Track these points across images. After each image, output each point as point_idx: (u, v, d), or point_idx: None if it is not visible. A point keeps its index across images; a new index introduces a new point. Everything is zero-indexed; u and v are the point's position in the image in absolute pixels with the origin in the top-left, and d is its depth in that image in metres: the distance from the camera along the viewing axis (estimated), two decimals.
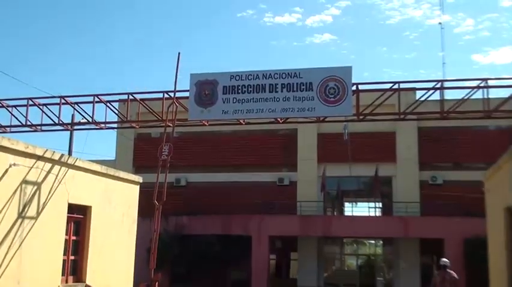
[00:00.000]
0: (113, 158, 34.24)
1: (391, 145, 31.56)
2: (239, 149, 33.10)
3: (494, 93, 16.07)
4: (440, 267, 14.24)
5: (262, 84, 15.50)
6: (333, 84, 15.18)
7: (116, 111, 17.78)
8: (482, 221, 20.31)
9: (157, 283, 15.10)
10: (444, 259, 14.79)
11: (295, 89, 15.30)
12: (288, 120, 16.40)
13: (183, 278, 31.31)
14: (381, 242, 34.81)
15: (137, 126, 19.52)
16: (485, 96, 15.50)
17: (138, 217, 19.05)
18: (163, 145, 14.70)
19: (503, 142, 17.27)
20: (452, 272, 14.17)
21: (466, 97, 15.61)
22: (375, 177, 29.60)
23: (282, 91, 15.34)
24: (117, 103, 18.40)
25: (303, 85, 15.28)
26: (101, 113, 18.01)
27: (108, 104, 17.49)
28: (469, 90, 15.67)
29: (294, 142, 32.72)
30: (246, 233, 29.56)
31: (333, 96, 15.14)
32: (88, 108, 17.47)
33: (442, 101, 15.98)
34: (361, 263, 36.13)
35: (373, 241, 36.14)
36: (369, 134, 31.07)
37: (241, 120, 16.42)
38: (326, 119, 16.59)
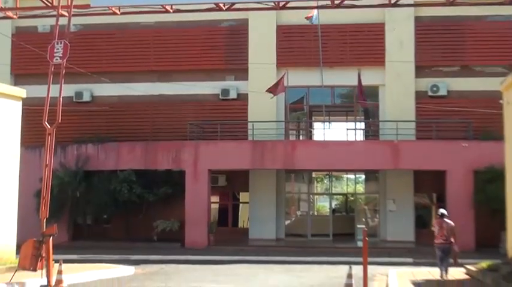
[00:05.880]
0: None
1: (378, 42, 31.69)
2: (166, 49, 32.60)
3: None
4: (439, 216, 17.94)
5: None
6: None
7: None
8: (498, 146, 21.10)
9: (51, 239, 15.18)
10: (442, 209, 18.45)
11: None
12: (235, 6, 16.20)
13: (89, 230, 31.52)
14: (363, 176, 35.67)
15: (16, 17, 18.93)
16: None
17: (21, 147, 18.81)
18: (56, 42, 14.36)
19: None
20: (449, 221, 17.63)
21: None
22: (358, 85, 29.84)
23: None
24: None
25: None
26: None
27: None
28: None
29: (243, 38, 32.44)
30: (176, 166, 29.72)
31: None
32: None
33: None
34: (335, 206, 37.12)
35: (352, 175, 37.03)
36: (348, 26, 31.05)
37: (167, 7, 16.13)
38: (288, 5, 16.44)
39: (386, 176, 31.26)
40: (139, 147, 30.18)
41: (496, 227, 24.21)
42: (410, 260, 23.81)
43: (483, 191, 26.51)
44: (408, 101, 31.20)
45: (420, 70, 31.48)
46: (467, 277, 18.09)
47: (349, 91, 32.81)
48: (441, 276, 17.61)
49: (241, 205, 33.84)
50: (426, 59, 31.38)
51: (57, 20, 15.13)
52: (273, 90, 29.70)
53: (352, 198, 36.95)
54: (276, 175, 31.73)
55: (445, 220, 17.71)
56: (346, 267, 14.30)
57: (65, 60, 14.21)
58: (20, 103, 18.54)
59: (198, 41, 32.51)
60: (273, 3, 16.22)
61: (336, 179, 37.64)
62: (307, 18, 28.58)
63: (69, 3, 15.15)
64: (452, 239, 17.38)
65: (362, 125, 34.55)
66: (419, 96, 31.31)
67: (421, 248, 26.24)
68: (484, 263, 17.82)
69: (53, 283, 14.91)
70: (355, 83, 30.09)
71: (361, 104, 31.30)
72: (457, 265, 17.74)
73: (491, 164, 25.44)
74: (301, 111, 34.36)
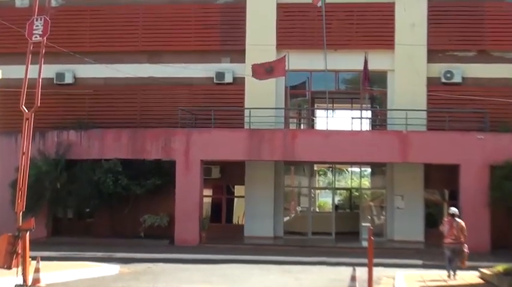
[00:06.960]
0: None
1: (388, 23, 31.59)
2: (156, 28, 32.47)
3: None
4: (450, 215, 19.13)
5: None
6: None
7: None
8: None
9: (28, 234, 15.13)
10: (453, 208, 19.56)
11: None
12: None
13: (70, 225, 31.44)
14: (369, 170, 35.69)
15: None
16: None
17: None
18: (35, 18, 14.28)
19: None
20: (460, 220, 18.85)
21: None
22: (364, 70, 29.77)
23: None
24: None
25: None
26: None
27: None
28: None
29: (241, 17, 32.32)
30: (166, 156, 29.65)
31: None
32: None
33: None
34: (339, 202, 37.13)
35: (357, 169, 37.02)
36: (355, 5, 31.08)
37: None
38: None
39: (394, 170, 31.23)
40: (126, 134, 30.09)
41: None
42: (419, 262, 23.74)
43: (500, 188, 26.46)
44: (419, 88, 31.05)
45: (433, 54, 31.38)
46: (481, 281, 18.09)
47: (355, 76, 32.71)
48: (448, 276, 18.11)
49: (236, 199, 33.85)
50: (440, 43, 31.26)
51: None
52: (259, 72, 29.12)
53: (356, 193, 37.00)
54: (274, 167, 31.70)
55: (456, 219, 18.73)
56: (349, 269, 14.28)
57: (45, 38, 14.12)
58: None
59: (191, 20, 32.40)
60: None
61: (339, 172, 37.62)
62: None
63: None
64: (462, 240, 18.25)
65: (368, 113, 34.50)
66: (432, 83, 31.20)
67: (431, 249, 26.16)
68: (499, 267, 17.75)
69: (29, 282, 14.86)
70: (362, 67, 30.00)
71: (368, 90, 31.22)
72: (464, 266, 18.30)
73: (510, 159, 25.40)
74: (303, 97, 34.31)
